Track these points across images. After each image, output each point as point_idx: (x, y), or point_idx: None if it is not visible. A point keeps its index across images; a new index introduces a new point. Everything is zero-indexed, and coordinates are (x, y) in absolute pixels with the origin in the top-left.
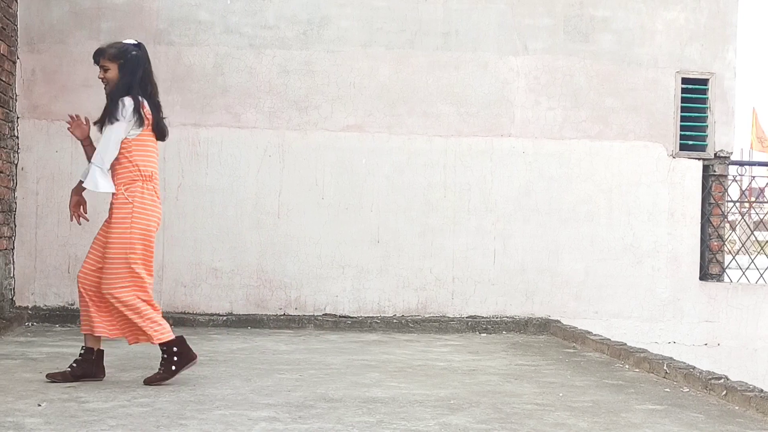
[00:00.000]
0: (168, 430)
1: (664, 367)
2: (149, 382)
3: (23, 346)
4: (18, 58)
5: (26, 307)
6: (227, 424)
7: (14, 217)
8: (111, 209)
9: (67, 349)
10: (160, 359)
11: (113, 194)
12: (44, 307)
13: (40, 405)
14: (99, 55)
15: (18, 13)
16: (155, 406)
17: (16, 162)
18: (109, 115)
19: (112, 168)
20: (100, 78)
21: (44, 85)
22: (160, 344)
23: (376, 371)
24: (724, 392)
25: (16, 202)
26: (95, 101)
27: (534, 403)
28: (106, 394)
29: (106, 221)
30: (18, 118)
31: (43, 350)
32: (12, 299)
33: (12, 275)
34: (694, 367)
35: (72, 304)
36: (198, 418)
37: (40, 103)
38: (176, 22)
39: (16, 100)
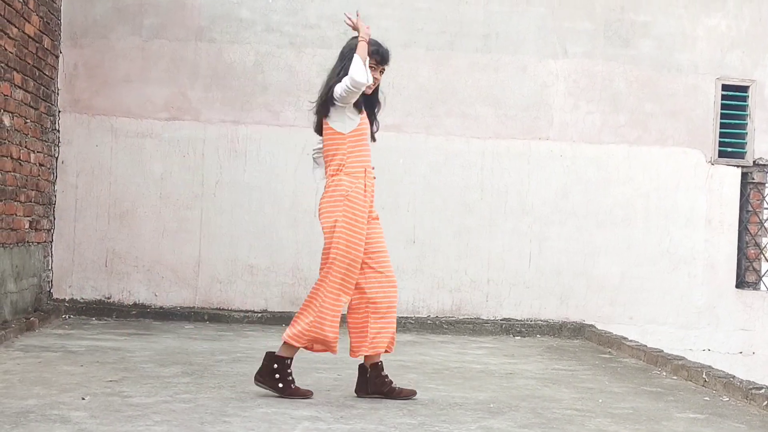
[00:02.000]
0: (212, 426)
1: (703, 376)
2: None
3: (62, 338)
4: (61, 52)
5: (63, 300)
6: (270, 422)
7: (54, 210)
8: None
9: (106, 343)
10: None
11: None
12: (81, 300)
13: (84, 398)
14: (389, 56)
15: (62, 7)
16: (197, 402)
17: (56, 155)
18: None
19: None
20: (375, 78)
21: (86, 79)
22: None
23: (414, 372)
24: (766, 402)
25: (55, 196)
26: (136, 96)
27: (573, 409)
28: (147, 389)
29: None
30: (59, 111)
31: (82, 343)
32: (50, 291)
33: (50, 268)
34: (733, 376)
35: (108, 298)
36: (241, 416)
37: (82, 97)
38: (218, 19)
39: (57, 94)
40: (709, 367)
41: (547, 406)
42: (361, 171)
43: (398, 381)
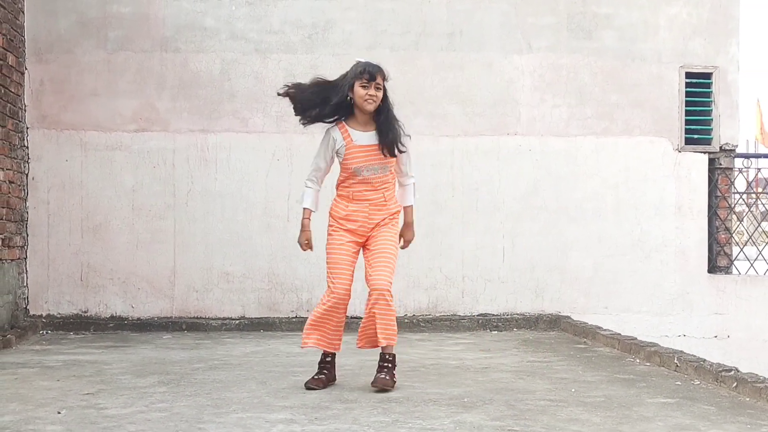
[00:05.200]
0: None
1: (675, 361)
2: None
3: (39, 354)
4: (26, 68)
5: (40, 316)
6: (245, 427)
7: (26, 227)
8: (392, 217)
9: (83, 356)
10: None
11: (389, 199)
12: (58, 315)
13: (59, 412)
14: (378, 73)
15: (25, 24)
16: (173, 411)
17: (26, 172)
18: (399, 139)
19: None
20: (370, 95)
21: (53, 94)
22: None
23: None
24: (735, 384)
25: (27, 212)
26: (104, 109)
27: (547, 399)
28: (123, 400)
29: (380, 227)
30: (27, 128)
31: (60, 358)
32: (26, 308)
33: (25, 284)
34: (704, 360)
35: (85, 312)
36: (216, 422)
37: (49, 112)
38: (182, 29)
39: (25, 111)
40: (681, 352)
41: (520, 398)
42: (345, 195)
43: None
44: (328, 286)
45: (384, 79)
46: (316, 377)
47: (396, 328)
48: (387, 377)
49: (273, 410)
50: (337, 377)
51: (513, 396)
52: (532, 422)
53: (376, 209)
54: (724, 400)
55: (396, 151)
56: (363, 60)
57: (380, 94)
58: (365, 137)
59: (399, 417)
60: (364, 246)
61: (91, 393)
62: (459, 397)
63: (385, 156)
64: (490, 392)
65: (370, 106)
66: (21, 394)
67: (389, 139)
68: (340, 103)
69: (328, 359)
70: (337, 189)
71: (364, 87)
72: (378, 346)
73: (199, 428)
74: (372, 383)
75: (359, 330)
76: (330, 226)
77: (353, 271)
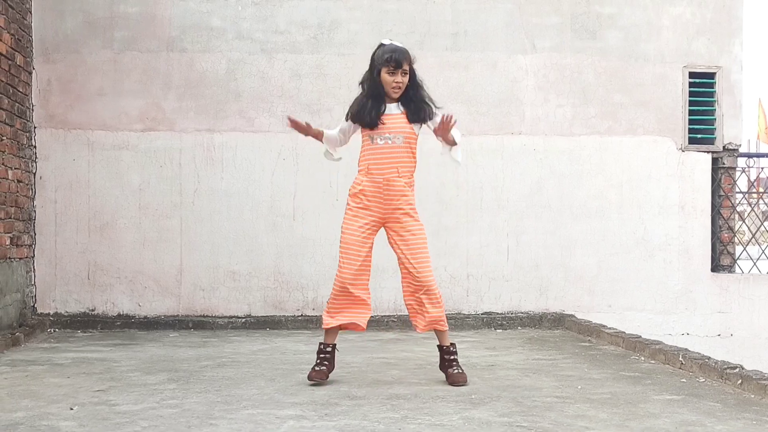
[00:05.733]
0: (199, 429)
1: (680, 358)
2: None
3: (48, 352)
4: (34, 68)
5: (48, 314)
6: (256, 423)
7: (34, 226)
8: (411, 207)
9: (91, 354)
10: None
11: (411, 189)
12: (65, 314)
13: (72, 408)
14: (404, 60)
15: (33, 24)
16: (184, 407)
17: (34, 171)
18: (430, 111)
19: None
20: (397, 83)
21: (60, 94)
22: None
23: (397, 369)
24: (740, 381)
25: (35, 211)
26: (111, 109)
27: (553, 396)
28: (134, 397)
29: (403, 214)
30: (35, 127)
31: (68, 355)
32: (34, 306)
33: (33, 283)
34: (709, 358)
35: (92, 310)
36: (227, 418)
37: (57, 112)
38: (188, 29)
39: (32, 110)
40: (686, 349)
41: (527, 394)
42: (363, 169)
43: (381, 377)
44: (337, 270)
45: (409, 63)
46: (317, 369)
47: (445, 316)
48: (460, 371)
49: (283, 406)
50: (343, 373)
51: (520, 393)
52: (540, 418)
53: (389, 186)
54: (730, 397)
55: (420, 114)
56: (387, 42)
57: (406, 79)
58: (390, 107)
59: (408, 413)
60: (388, 229)
61: (102, 390)
62: (466, 394)
63: (408, 121)
64: (496, 389)
65: (396, 94)
66: (32, 391)
67: (413, 104)
68: (373, 87)
69: (328, 350)
70: (358, 165)
71: (390, 74)
72: (430, 330)
73: (211, 424)
74: (448, 382)
75: (410, 316)
76: (347, 205)
77: (365, 255)
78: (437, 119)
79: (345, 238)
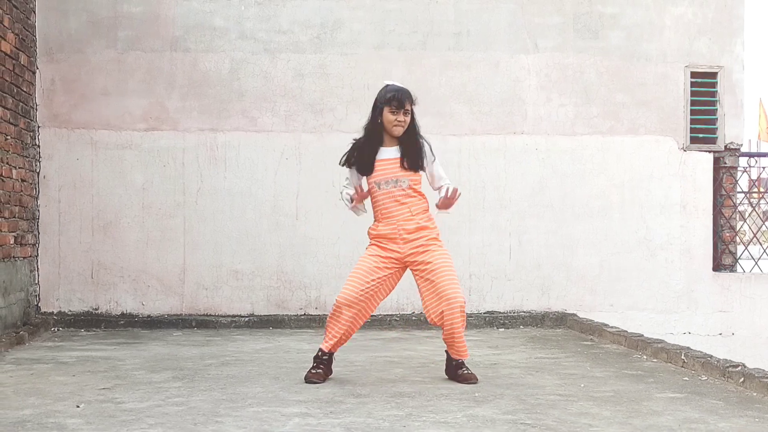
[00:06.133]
0: (205, 427)
1: (682, 357)
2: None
3: (52, 350)
4: (37, 68)
5: (51, 313)
6: (262, 420)
7: (37, 225)
8: (432, 239)
9: (96, 353)
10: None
11: (430, 222)
12: (69, 313)
13: (78, 406)
14: (407, 100)
15: (36, 24)
16: (190, 405)
17: (38, 170)
18: (425, 156)
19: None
20: (399, 121)
21: (63, 94)
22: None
23: (400, 367)
24: (742, 379)
25: (39, 210)
26: (114, 108)
27: (557, 394)
28: (140, 395)
29: (427, 249)
30: (39, 127)
31: (73, 354)
32: (37, 305)
33: (37, 282)
34: (711, 356)
35: (96, 309)
36: (233, 416)
37: (60, 111)
38: (192, 29)
39: (36, 110)
40: (688, 348)
41: (531, 392)
42: (376, 215)
43: (385, 376)
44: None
45: (412, 104)
46: (314, 371)
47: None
48: (469, 371)
49: (288, 404)
50: (347, 372)
51: (523, 391)
52: (544, 416)
53: (405, 224)
54: (732, 395)
55: (418, 162)
56: (391, 84)
57: (408, 119)
58: (389, 152)
59: (412, 411)
60: (412, 266)
61: (108, 388)
62: (470, 392)
63: (405, 168)
64: (500, 387)
65: (398, 131)
66: (39, 389)
67: (411, 151)
68: (372, 129)
69: (325, 357)
70: (373, 211)
71: (392, 113)
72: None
73: (217, 422)
74: (458, 380)
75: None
76: (369, 245)
77: (369, 285)
78: (440, 183)
79: (359, 264)
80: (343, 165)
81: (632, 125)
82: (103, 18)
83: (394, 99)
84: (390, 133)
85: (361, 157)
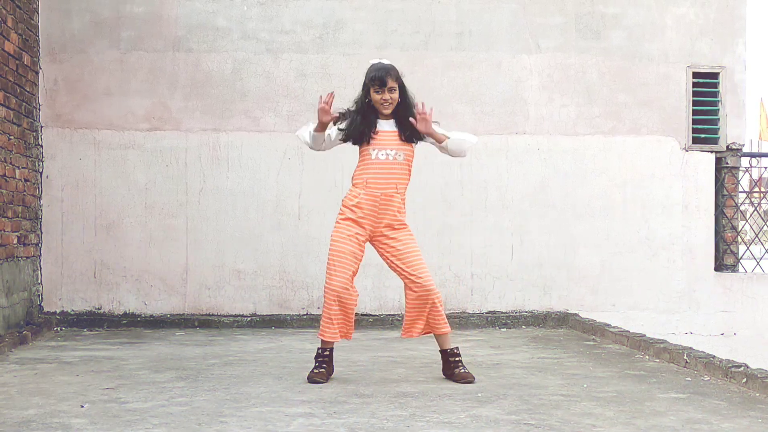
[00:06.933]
0: (209, 427)
1: (685, 357)
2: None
3: (56, 350)
4: (40, 68)
5: (54, 313)
6: (266, 420)
7: (40, 225)
8: (402, 224)
9: (99, 352)
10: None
11: (402, 201)
12: (72, 312)
13: (83, 406)
14: (388, 77)
15: (39, 24)
16: (193, 405)
17: (41, 170)
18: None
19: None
20: (384, 99)
21: (66, 94)
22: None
23: (403, 367)
24: (745, 380)
25: (42, 210)
26: (117, 108)
27: (560, 395)
28: (144, 395)
29: (393, 230)
30: (42, 127)
31: (76, 354)
32: (40, 305)
33: (40, 281)
34: (714, 356)
35: (99, 309)
36: (237, 416)
37: (63, 111)
38: (194, 29)
39: (39, 110)
40: (690, 348)
41: (533, 393)
42: (360, 183)
43: (387, 376)
44: (326, 279)
45: (396, 79)
46: (317, 371)
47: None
48: (466, 370)
49: (291, 404)
50: (350, 372)
51: (526, 391)
52: (547, 416)
53: (386, 201)
54: (735, 396)
55: (415, 134)
56: (375, 61)
57: (395, 95)
58: (386, 125)
59: (416, 411)
60: (376, 243)
61: (111, 387)
62: (473, 392)
63: (402, 140)
64: (503, 387)
65: (387, 110)
66: (42, 389)
67: (407, 124)
68: (366, 108)
69: (326, 353)
70: (352, 180)
71: (377, 92)
72: (428, 333)
73: (221, 422)
74: (454, 379)
75: (404, 323)
76: (339, 214)
77: (354, 266)
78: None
79: (339, 247)
80: (338, 128)
81: (634, 125)
82: (106, 18)
83: (376, 78)
84: (380, 110)
85: (357, 129)
